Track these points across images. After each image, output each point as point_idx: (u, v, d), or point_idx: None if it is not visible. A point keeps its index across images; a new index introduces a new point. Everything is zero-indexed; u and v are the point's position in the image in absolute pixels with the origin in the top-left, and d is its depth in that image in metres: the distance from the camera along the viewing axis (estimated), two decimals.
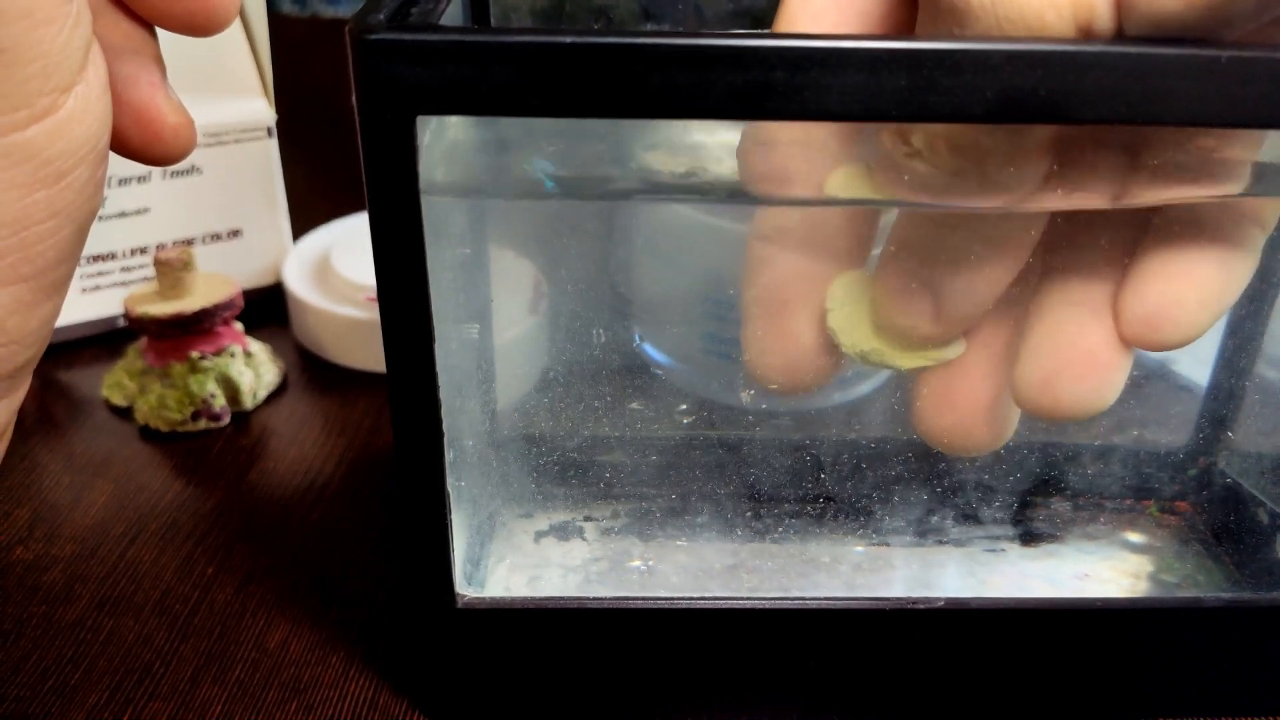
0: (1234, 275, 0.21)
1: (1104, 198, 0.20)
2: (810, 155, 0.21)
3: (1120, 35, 0.17)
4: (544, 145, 0.22)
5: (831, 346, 0.23)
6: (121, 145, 0.18)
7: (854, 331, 0.23)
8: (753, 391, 0.28)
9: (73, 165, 0.16)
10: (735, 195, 0.22)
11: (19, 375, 0.17)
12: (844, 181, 0.21)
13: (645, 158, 0.22)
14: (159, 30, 0.18)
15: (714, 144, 0.22)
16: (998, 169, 0.19)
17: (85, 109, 0.15)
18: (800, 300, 0.23)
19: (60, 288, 0.17)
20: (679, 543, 0.28)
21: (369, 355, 0.40)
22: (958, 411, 0.23)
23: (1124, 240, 0.21)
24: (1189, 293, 0.20)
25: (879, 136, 0.20)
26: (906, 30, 0.20)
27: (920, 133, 0.19)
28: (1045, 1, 0.17)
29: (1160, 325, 0.20)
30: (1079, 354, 0.21)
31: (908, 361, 0.23)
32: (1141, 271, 0.21)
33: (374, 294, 0.21)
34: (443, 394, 0.21)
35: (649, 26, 0.30)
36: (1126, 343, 0.21)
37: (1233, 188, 0.20)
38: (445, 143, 0.21)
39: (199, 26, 0.18)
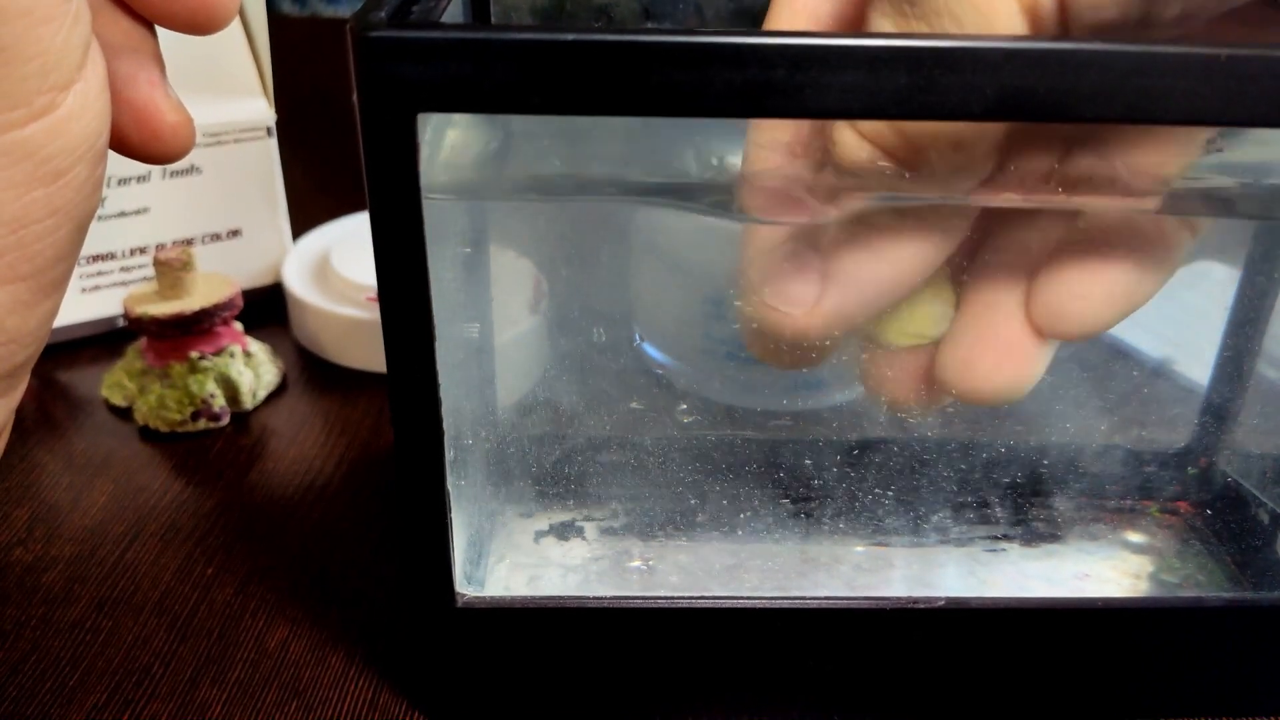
0: (1148, 275, 0.21)
1: (1033, 197, 0.20)
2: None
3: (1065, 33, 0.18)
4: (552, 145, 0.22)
5: None
6: (120, 144, 0.18)
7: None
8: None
9: (71, 164, 0.16)
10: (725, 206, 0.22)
11: (17, 374, 0.17)
12: None
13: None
14: (158, 29, 0.18)
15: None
16: (949, 166, 0.19)
17: (84, 107, 0.15)
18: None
19: (59, 286, 0.17)
20: (679, 542, 0.28)
21: (369, 355, 0.40)
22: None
23: (1048, 235, 0.21)
24: (1096, 288, 0.21)
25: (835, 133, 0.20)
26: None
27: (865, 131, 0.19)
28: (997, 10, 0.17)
29: (1064, 317, 0.21)
30: (999, 343, 0.22)
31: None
32: (1055, 264, 0.21)
33: (374, 294, 0.21)
34: (443, 394, 0.21)
35: (649, 25, 0.30)
36: (1035, 330, 0.21)
37: (1149, 203, 0.20)
38: (447, 145, 0.21)
39: (199, 25, 0.18)
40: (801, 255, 0.21)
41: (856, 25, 0.21)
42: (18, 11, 0.14)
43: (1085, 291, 0.21)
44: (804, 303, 0.21)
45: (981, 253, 0.22)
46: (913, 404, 0.23)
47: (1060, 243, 0.21)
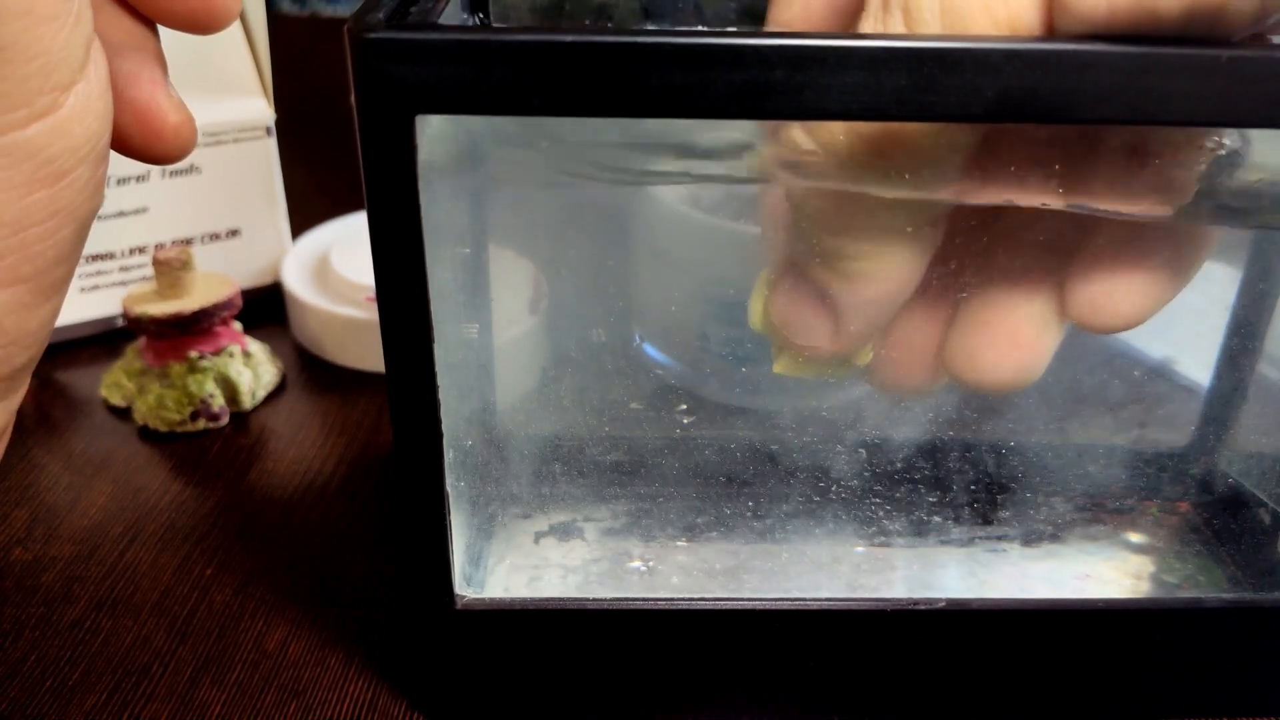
0: (1183, 265, 0.21)
1: (1045, 200, 0.20)
2: None
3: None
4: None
5: None
6: (122, 143, 0.18)
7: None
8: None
9: (73, 164, 0.15)
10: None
11: (18, 376, 0.17)
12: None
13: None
14: (159, 28, 0.18)
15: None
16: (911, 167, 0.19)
17: (86, 107, 0.15)
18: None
19: (60, 288, 0.17)
20: (679, 543, 0.28)
21: (368, 355, 0.40)
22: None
23: (1065, 226, 0.21)
24: (1134, 281, 0.21)
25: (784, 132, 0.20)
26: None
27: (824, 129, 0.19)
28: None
29: (1104, 311, 0.21)
30: (1004, 332, 0.22)
31: (808, 372, 0.24)
32: (1091, 259, 0.21)
33: (373, 294, 0.21)
34: (443, 394, 0.21)
35: (649, 26, 0.30)
36: (1076, 324, 0.22)
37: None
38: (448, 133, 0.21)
39: (201, 24, 0.18)
40: (798, 298, 0.22)
41: (855, 14, 0.21)
42: (19, 11, 0.14)
43: (1124, 286, 0.21)
44: (826, 333, 0.22)
45: (988, 249, 0.22)
46: (912, 390, 0.24)
47: (1089, 233, 0.21)
